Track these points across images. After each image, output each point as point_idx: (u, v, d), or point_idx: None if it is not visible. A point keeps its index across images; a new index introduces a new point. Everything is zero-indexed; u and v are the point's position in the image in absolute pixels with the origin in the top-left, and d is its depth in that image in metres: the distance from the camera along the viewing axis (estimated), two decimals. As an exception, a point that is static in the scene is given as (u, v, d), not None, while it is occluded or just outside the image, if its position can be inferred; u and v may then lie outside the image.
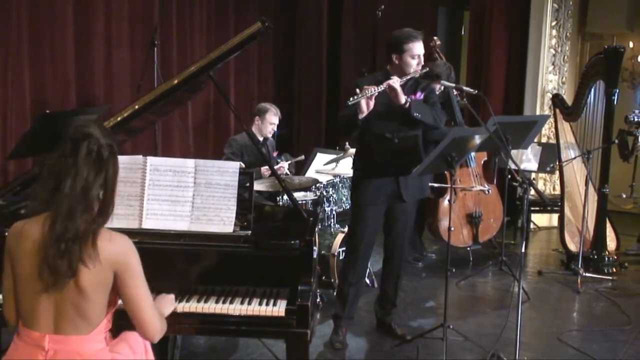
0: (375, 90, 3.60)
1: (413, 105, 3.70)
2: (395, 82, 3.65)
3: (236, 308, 2.62)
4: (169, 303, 2.46)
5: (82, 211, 2.00)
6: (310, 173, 5.57)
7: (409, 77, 3.76)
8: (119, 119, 3.03)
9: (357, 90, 3.64)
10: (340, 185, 5.25)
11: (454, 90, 5.53)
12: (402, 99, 3.66)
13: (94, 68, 5.87)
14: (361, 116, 3.65)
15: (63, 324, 2.06)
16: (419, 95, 3.85)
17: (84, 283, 2.01)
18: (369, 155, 3.93)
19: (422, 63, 3.81)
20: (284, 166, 5.33)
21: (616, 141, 5.47)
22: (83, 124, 2.10)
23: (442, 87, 5.34)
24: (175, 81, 3.03)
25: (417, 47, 3.78)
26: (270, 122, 5.23)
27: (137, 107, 3.03)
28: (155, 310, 2.19)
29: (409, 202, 3.94)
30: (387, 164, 3.84)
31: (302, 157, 5.70)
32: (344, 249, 4.47)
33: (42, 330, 2.06)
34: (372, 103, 3.64)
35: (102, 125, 2.16)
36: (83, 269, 2.00)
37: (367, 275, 4.73)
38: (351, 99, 3.57)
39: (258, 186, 4.59)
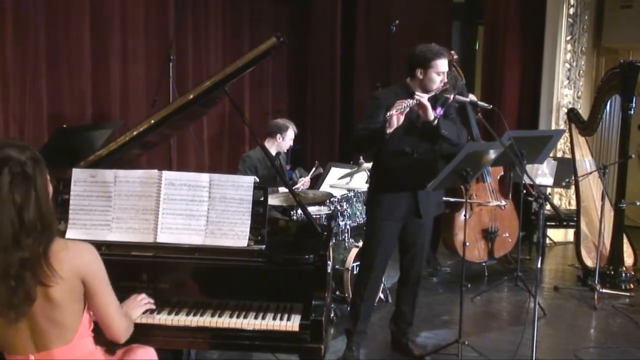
0: (408, 105, 3.53)
1: (440, 122, 3.65)
2: (424, 98, 3.60)
3: (250, 322, 2.62)
4: (138, 306, 2.48)
5: (23, 238, 1.93)
6: (325, 187, 5.58)
7: (432, 93, 3.71)
8: (134, 133, 3.05)
9: (378, 103, 3.63)
10: (354, 199, 5.25)
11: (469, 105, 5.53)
12: (431, 115, 3.61)
13: (110, 83, 5.93)
14: (389, 131, 3.55)
15: (43, 340, 2.04)
16: (439, 111, 3.77)
17: (54, 294, 1.98)
18: (386, 170, 3.86)
19: (445, 80, 3.77)
20: (307, 182, 5.47)
21: (633, 156, 5.44)
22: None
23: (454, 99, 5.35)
24: (191, 96, 3.04)
25: (444, 64, 3.74)
26: (290, 138, 5.34)
27: (152, 121, 3.04)
28: (121, 312, 2.22)
29: (426, 218, 3.88)
30: (405, 179, 3.78)
31: (320, 170, 5.75)
32: (357, 263, 4.46)
33: (24, 353, 2.04)
34: (402, 118, 3.56)
35: (16, 140, 2.06)
36: (47, 287, 1.96)
37: (381, 290, 4.71)
38: (389, 112, 3.46)
39: (272, 200, 4.60)
